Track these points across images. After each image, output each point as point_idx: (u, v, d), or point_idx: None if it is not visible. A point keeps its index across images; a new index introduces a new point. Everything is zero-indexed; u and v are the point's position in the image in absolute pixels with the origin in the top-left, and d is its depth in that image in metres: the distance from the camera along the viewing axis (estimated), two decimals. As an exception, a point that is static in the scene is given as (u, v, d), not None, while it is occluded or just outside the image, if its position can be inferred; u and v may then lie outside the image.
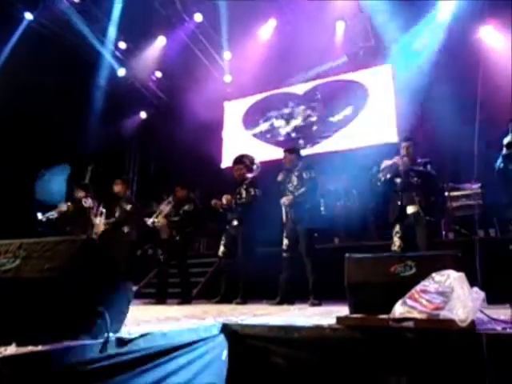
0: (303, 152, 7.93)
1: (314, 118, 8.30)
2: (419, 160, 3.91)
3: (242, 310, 3.17)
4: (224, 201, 4.53)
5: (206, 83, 8.38)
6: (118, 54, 8.05)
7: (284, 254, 4.17)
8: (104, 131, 7.67)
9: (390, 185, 3.90)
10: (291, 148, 4.59)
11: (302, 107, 8.47)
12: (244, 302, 4.19)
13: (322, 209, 6.72)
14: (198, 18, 7.74)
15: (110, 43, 7.80)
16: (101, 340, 1.56)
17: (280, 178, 4.31)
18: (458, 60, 6.28)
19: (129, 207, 5.16)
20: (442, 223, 5.42)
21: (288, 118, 8.57)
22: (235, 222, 4.51)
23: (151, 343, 1.78)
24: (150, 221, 5.03)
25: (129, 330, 1.86)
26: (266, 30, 8.10)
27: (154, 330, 1.92)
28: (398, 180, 3.85)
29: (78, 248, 1.58)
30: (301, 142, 8.18)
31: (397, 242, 3.72)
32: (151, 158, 8.43)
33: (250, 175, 4.60)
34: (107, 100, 7.92)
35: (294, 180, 4.21)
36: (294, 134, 8.43)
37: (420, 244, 3.65)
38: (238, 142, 8.79)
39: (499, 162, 3.34)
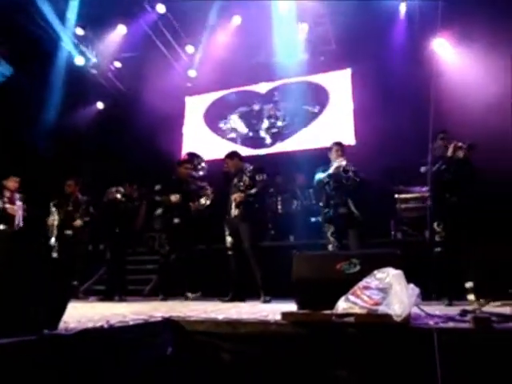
0: (264, 151, 8.08)
1: (274, 118, 8.37)
2: (349, 166, 4.01)
3: (193, 307, 3.14)
4: (173, 198, 4.56)
5: (167, 76, 8.20)
6: (75, 40, 7.69)
7: (229, 252, 4.20)
8: (57, 121, 7.32)
9: (324, 186, 4.01)
10: (230, 153, 4.55)
11: (264, 106, 8.52)
12: (187, 298, 4.25)
13: (279, 207, 6.85)
14: (161, 9, 7.56)
15: (68, 29, 7.44)
16: (34, 337, 1.49)
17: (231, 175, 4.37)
18: (415, 68, 6.57)
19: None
20: (392, 224, 5.66)
21: (249, 117, 8.59)
22: (176, 220, 4.54)
23: (91, 340, 1.73)
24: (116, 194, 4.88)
25: (67, 326, 1.80)
26: (231, 26, 8.06)
27: (96, 327, 1.86)
28: (331, 182, 3.97)
29: (7, 242, 1.49)
30: (268, 142, 8.23)
31: (334, 242, 3.83)
32: (108, 150, 8.11)
33: (195, 174, 4.65)
34: (62, 88, 7.55)
35: (247, 180, 4.24)
36: (253, 134, 8.46)
37: (351, 244, 3.77)
38: (199, 138, 8.69)
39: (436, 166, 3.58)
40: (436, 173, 3.57)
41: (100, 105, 8.83)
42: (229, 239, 4.21)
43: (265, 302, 3.75)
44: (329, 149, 4.19)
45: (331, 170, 3.98)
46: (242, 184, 4.22)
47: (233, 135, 8.61)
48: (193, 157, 4.77)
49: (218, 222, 4.55)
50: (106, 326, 1.85)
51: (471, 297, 3.01)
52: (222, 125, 8.78)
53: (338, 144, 4.17)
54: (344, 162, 3.95)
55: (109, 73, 8.42)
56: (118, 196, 4.82)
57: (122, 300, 4.39)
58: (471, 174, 3.56)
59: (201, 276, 4.73)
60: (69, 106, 7.77)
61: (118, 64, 8.41)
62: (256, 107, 8.58)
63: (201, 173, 4.63)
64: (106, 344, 1.73)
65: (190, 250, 4.59)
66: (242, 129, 8.60)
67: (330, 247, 3.84)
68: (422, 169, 3.69)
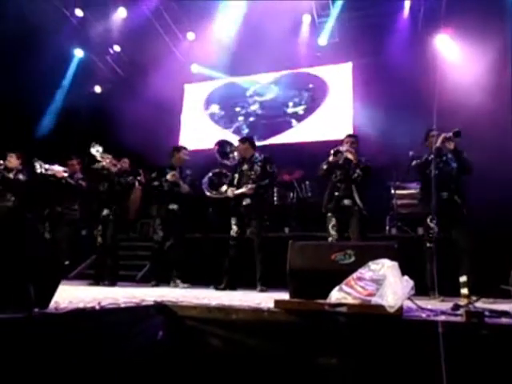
0: (262, 143, 8.02)
1: (273, 110, 8.31)
2: (361, 158, 3.98)
3: (185, 293, 3.14)
4: (169, 177, 4.51)
5: (166, 63, 8.11)
6: (73, 21, 7.55)
7: (233, 242, 4.12)
8: (53, 103, 7.22)
9: (329, 174, 3.95)
10: (243, 138, 4.63)
11: (264, 97, 8.46)
12: (176, 285, 4.26)
13: (275, 199, 6.83)
14: (164, -7, 7.46)
15: (65, 9, 7.31)
16: (23, 314, 1.47)
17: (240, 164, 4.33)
18: (416, 65, 6.52)
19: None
20: (387, 219, 5.66)
21: (249, 107, 8.53)
22: (172, 206, 4.49)
23: (81, 320, 1.71)
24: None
25: (58, 306, 1.78)
26: (233, 15, 7.95)
27: (87, 307, 1.84)
28: (338, 172, 3.91)
29: (2, 218, 1.47)
30: (265, 133, 8.17)
31: (334, 235, 3.80)
32: (104, 135, 8.01)
33: (227, 162, 4.69)
34: (58, 70, 7.43)
35: (258, 170, 4.17)
36: (253, 123, 8.41)
37: (352, 236, 3.74)
38: (197, 125, 8.64)
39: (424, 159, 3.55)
40: (423, 164, 3.54)
41: (98, 88, 8.73)
42: (235, 228, 4.13)
43: (261, 291, 3.75)
44: (341, 141, 4.11)
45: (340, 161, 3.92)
46: (253, 173, 4.15)
47: (230, 125, 8.56)
48: (225, 144, 4.75)
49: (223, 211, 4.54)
50: (97, 307, 1.83)
51: (464, 291, 3.02)
52: (220, 114, 8.72)
53: (350, 136, 4.13)
54: (350, 156, 3.90)
55: (107, 56, 8.30)
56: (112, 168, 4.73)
57: (111, 285, 4.34)
58: (464, 165, 3.50)
59: (193, 264, 4.71)
60: (65, 89, 7.66)
61: (117, 48, 8.29)
62: (255, 97, 8.51)
63: (233, 159, 4.63)
64: (96, 325, 1.72)
65: (183, 237, 4.55)
66: (239, 119, 8.54)
67: (329, 239, 3.81)
68: (411, 153, 3.66)
